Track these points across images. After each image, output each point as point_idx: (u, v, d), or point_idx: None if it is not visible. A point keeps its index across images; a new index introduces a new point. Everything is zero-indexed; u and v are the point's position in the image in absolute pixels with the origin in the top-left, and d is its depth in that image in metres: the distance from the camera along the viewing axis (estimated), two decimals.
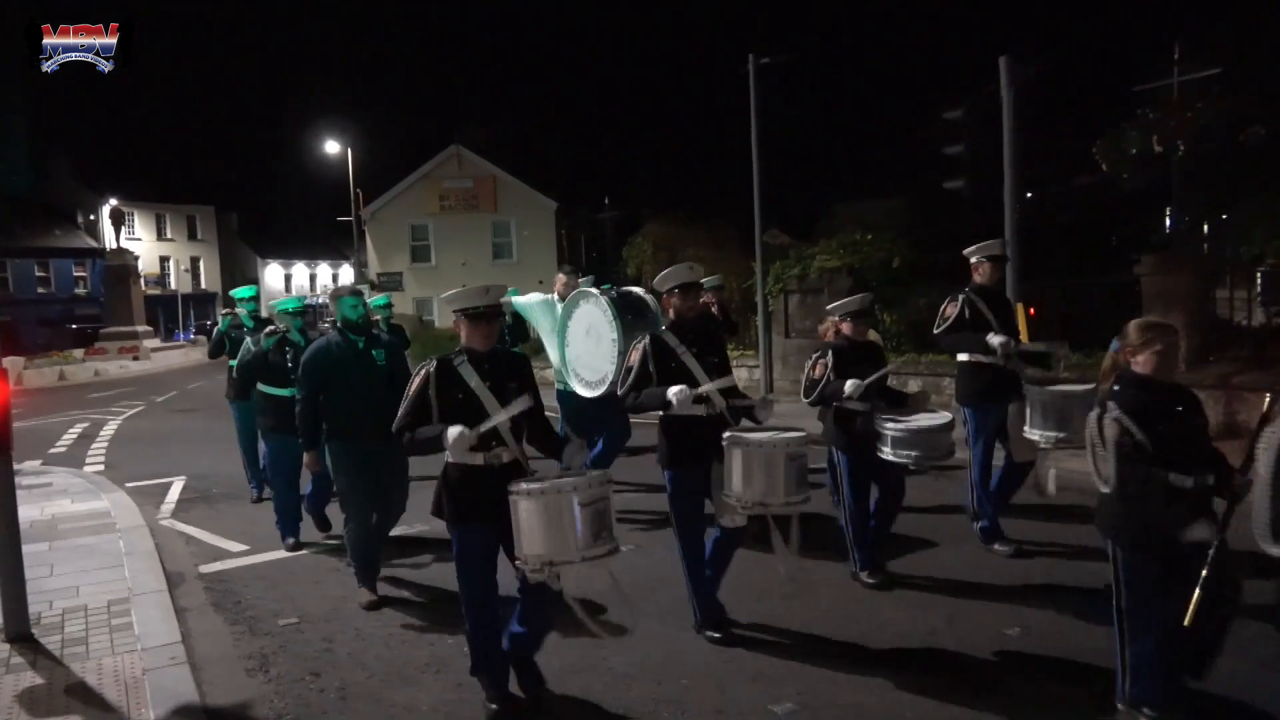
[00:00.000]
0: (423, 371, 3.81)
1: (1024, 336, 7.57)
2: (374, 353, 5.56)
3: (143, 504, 8.43)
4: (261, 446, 7.71)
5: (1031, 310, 10.78)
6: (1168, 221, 17.54)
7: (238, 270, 63.13)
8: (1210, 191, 14.48)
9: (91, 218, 51.13)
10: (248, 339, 7.17)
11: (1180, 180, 16.03)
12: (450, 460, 3.73)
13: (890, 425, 5.19)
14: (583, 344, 6.95)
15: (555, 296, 7.73)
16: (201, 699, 4.12)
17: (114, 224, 35.62)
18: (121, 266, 33.35)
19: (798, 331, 15.00)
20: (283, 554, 6.63)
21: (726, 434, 4.44)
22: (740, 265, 20.77)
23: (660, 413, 4.60)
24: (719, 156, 62.86)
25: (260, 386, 6.88)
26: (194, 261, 59.14)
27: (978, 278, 6.15)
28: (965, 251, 6.31)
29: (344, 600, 5.52)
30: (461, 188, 35.34)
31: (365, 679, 4.37)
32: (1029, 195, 18.16)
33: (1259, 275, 11.61)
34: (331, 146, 33.95)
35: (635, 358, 4.64)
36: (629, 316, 6.58)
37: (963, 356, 6.13)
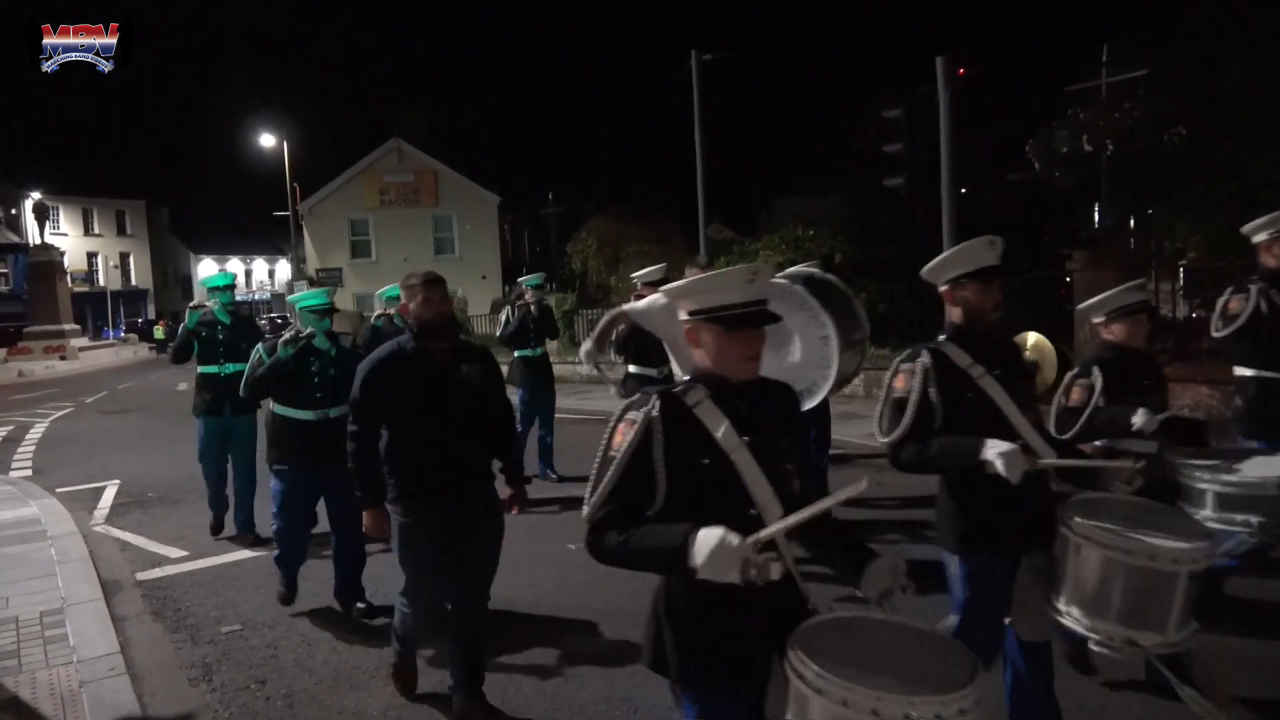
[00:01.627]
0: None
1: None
2: (463, 367, 3.79)
3: (74, 510, 8.18)
4: (272, 484, 5.47)
5: None
6: (1096, 218, 18.12)
7: (169, 266, 61.51)
8: (1136, 190, 14.98)
9: (13, 212, 49.29)
10: (260, 346, 5.27)
11: (1109, 179, 16.57)
12: (700, 575, 1.98)
13: (1210, 477, 3.54)
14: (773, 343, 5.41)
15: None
16: (142, 710, 4.03)
17: (37, 218, 34.37)
18: (46, 263, 32.17)
19: None
20: (223, 559, 6.50)
21: (1074, 517, 2.66)
22: (684, 259, 20.91)
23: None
24: (661, 152, 63.23)
25: (275, 407, 5.29)
26: (123, 257, 57.41)
27: (1270, 261, 4.72)
28: (1246, 229, 4.85)
29: (287, 606, 5.44)
30: (402, 182, 34.95)
31: (312, 685, 4.31)
32: (963, 191, 18.59)
33: (1181, 270, 12.07)
34: (267, 139, 33.22)
35: (907, 385, 2.94)
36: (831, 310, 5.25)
37: (1246, 371, 4.82)
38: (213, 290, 7.05)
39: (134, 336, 46.14)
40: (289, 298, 6.80)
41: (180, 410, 17.39)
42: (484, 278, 33.51)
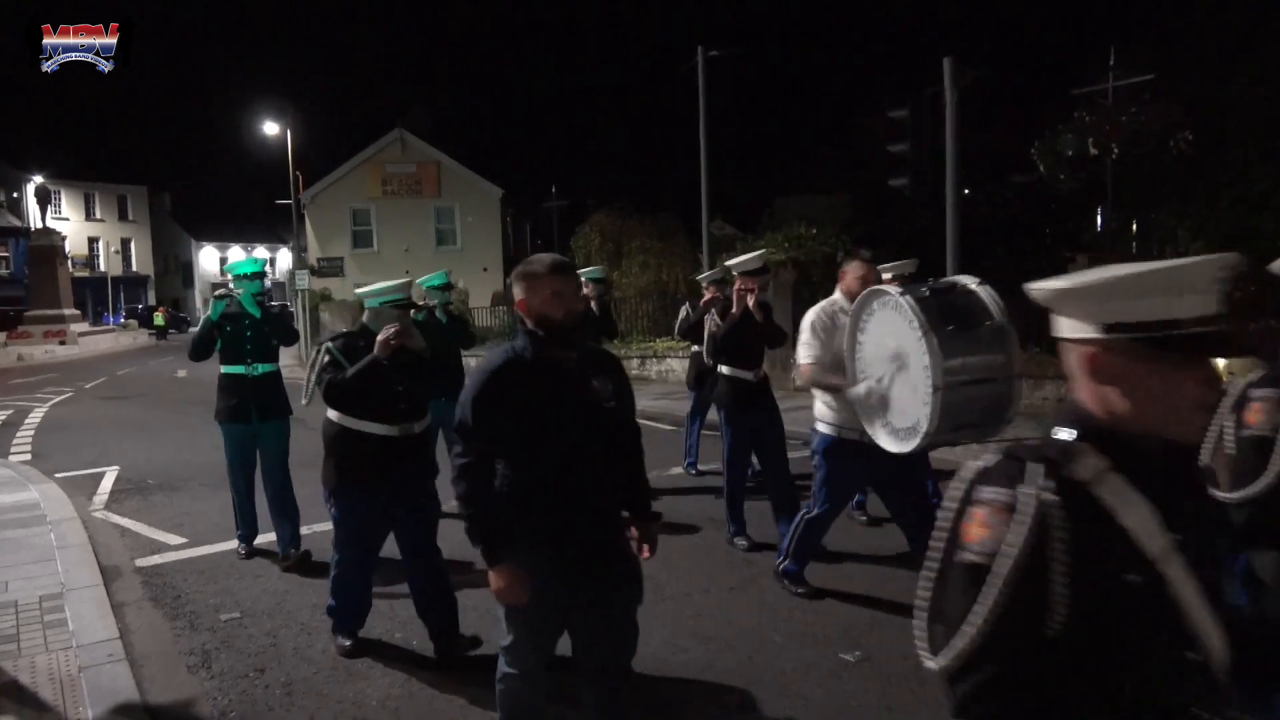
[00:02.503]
0: None
1: None
2: (594, 381, 2.94)
3: (74, 495, 8.18)
4: (332, 513, 4.53)
5: None
6: (1099, 222, 18.14)
7: (170, 253, 61.47)
8: (1140, 193, 15.00)
9: (15, 195, 49.24)
10: (330, 344, 4.36)
11: (1113, 183, 16.59)
12: None
13: None
14: (883, 369, 4.34)
15: (840, 297, 4.94)
16: (141, 697, 4.03)
17: (39, 202, 34.40)
18: (47, 247, 32.20)
19: None
20: (222, 547, 6.49)
21: None
22: (687, 256, 20.92)
23: None
24: (665, 147, 63.08)
25: (349, 420, 4.29)
26: (124, 243, 57.40)
27: None
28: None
29: (287, 594, 5.44)
30: (404, 173, 34.89)
31: (311, 674, 4.32)
32: (966, 192, 18.60)
33: None
34: (270, 127, 33.09)
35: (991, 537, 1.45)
36: (949, 328, 4.02)
37: None
38: (239, 278, 6.06)
39: (134, 323, 46.22)
40: (358, 290, 4.83)
41: (179, 398, 17.43)
42: (485, 270, 33.46)
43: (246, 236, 64.34)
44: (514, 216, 38.73)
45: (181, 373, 23.97)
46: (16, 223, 47.83)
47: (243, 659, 4.51)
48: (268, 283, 6.67)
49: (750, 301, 5.76)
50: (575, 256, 24.45)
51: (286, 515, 6.02)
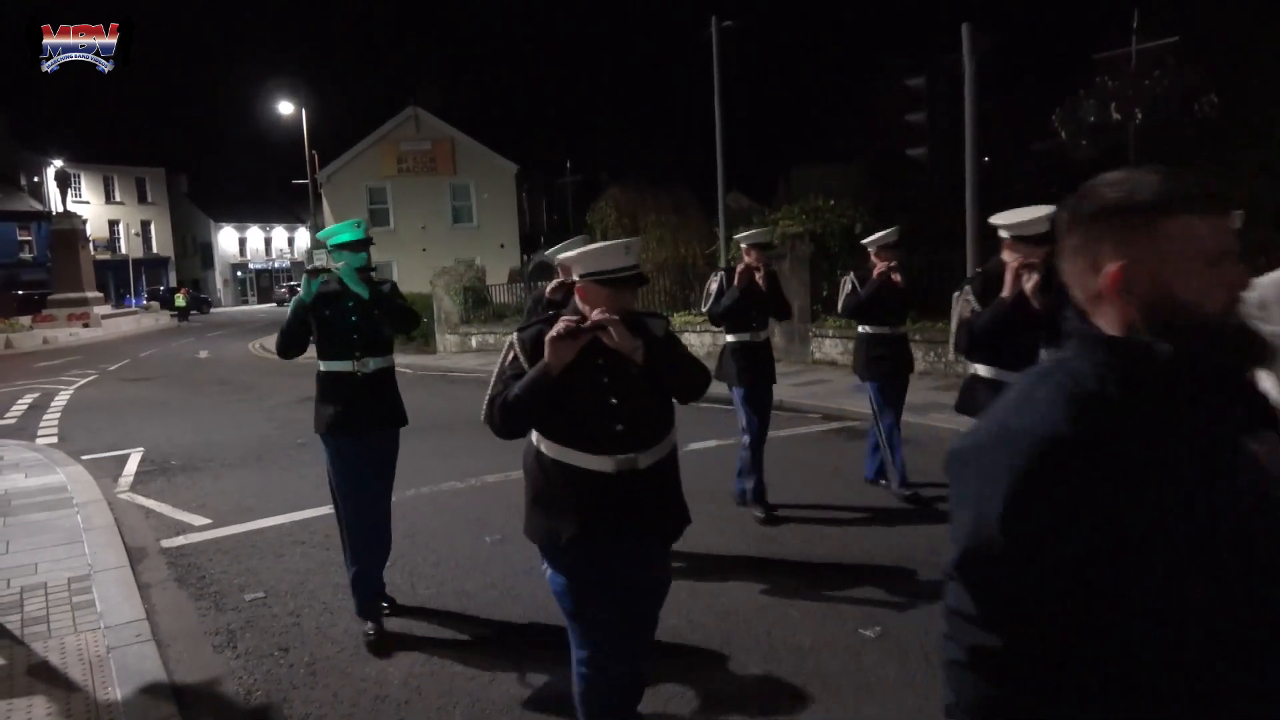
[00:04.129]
0: None
1: None
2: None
3: (99, 477, 8.29)
4: (549, 573, 3.03)
5: None
6: None
7: (189, 234, 61.85)
8: (1162, 159, 14.77)
9: (35, 180, 49.64)
10: (515, 338, 2.97)
11: (1136, 148, 16.32)
12: None
13: None
14: None
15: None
16: (168, 676, 4.10)
17: (59, 186, 34.72)
18: (69, 230, 32.47)
19: None
20: (245, 528, 6.57)
21: None
22: (702, 229, 20.80)
23: None
24: (679, 120, 62.58)
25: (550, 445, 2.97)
26: (144, 225, 57.83)
27: None
28: None
29: (309, 574, 5.51)
30: (419, 150, 34.87)
31: (335, 653, 4.37)
32: (985, 160, 18.38)
33: None
34: (285, 107, 33.15)
35: None
36: None
37: None
38: (338, 248, 4.58)
39: (156, 304, 46.59)
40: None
41: (201, 378, 17.62)
42: (502, 246, 33.50)
43: (264, 217, 64.66)
44: (529, 192, 38.64)
45: (203, 353, 24.20)
46: (38, 207, 48.26)
47: (267, 638, 4.57)
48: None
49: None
50: (591, 232, 24.41)
51: (379, 550, 4.75)
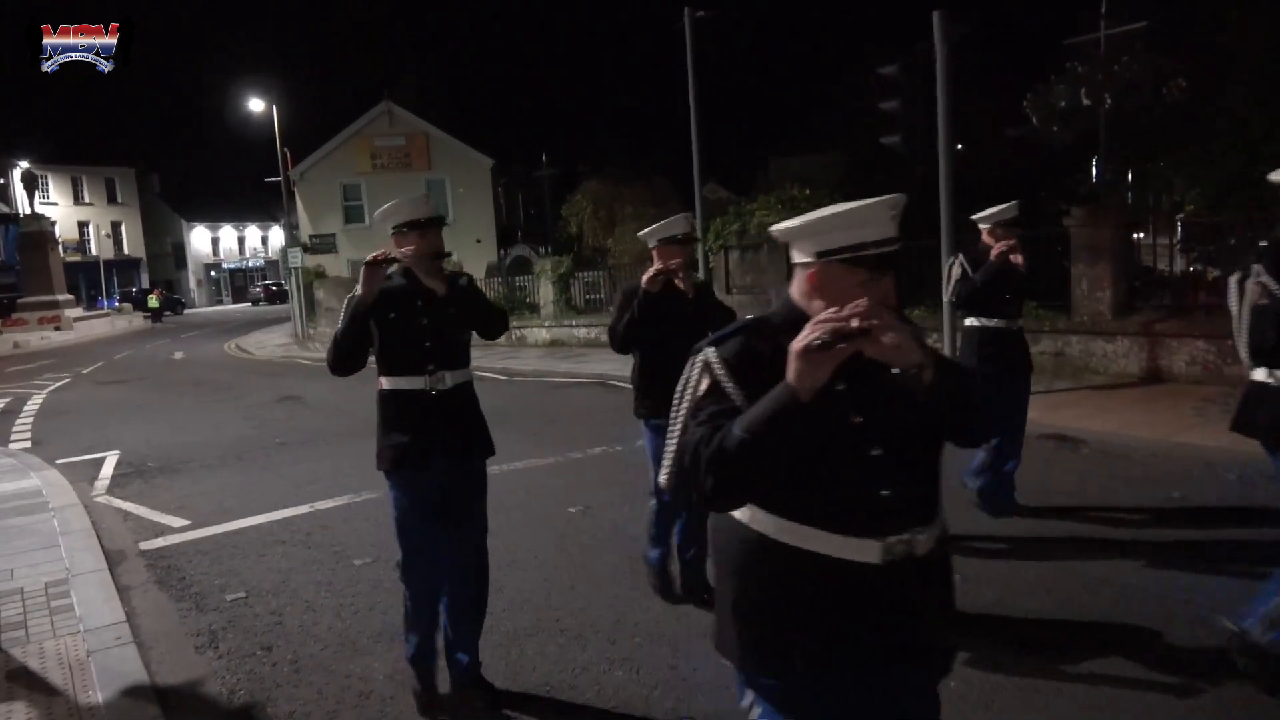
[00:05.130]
0: None
1: None
2: None
3: (75, 481, 8.20)
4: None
5: None
6: (1094, 173, 18.04)
7: (162, 235, 61.11)
8: (1135, 143, 14.91)
9: (2, 182, 48.82)
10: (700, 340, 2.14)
11: (1107, 133, 16.47)
12: None
13: None
14: None
15: None
16: (150, 678, 4.06)
17: (26, 188, 34.20)
18: (37, 232, 32.08)
19: (738, 288, 15.12)
20: (225, 528, 6.51)
21: None
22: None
23: None
24: (656, 112, 62.60)
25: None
26: (115, 226, 57.06)
27: None
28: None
29: (291, 573, 5.47)
30: (393, 145, 34.64)
31: (318, 651, 4.35)
32: (959, 147, 18.50)
33: (1178, 223, 12.04)
34: (257, 105, 32.78)
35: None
36: None
37: None
38: (399, 230, 3.49)
39: (128, 306, 46.04)
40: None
41: (176, 380, 17.45)
42: (478, 241, 33.31)
43: (238, 215, 64.00)
44: (506, 186, 38.48)
45: (178, 354, 23.96)
46: (5, 209, 47.47)
47: (249, 638, 4.54)
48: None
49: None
50: (569, 225, 24.36)
51: (473, 615, 3.71)
